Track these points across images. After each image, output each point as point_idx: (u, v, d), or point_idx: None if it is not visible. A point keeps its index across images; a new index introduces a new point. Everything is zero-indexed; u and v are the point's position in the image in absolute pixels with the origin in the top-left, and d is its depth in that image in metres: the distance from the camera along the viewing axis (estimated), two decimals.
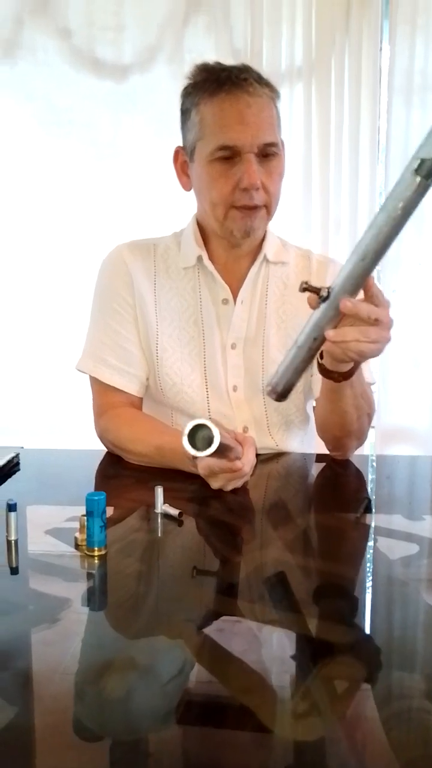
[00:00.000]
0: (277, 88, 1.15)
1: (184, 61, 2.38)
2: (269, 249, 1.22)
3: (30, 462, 1.16)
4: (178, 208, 2.47)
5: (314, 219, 2.34)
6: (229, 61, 2.35)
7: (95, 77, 2.41)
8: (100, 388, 1.24)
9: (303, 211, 2.34)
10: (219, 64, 1.14)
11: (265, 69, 2.29)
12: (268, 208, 1.14)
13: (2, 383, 2.53)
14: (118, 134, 2.43)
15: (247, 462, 0.94)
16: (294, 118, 2.32)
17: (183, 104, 1.17)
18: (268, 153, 1.10)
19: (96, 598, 0.70)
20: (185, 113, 1.16)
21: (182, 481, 1.02)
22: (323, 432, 1.19)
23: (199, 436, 0.70)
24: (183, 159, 1.20)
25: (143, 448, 1.12)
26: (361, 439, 1.16)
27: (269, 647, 0.61)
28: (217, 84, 1.09)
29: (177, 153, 1.21)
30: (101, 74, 2.41)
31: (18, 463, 1.15)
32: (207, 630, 0.62)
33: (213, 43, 2.36)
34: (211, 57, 2.33)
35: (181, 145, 1.20)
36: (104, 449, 1.22)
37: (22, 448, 1.24)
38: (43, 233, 2.46)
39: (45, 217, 2.44)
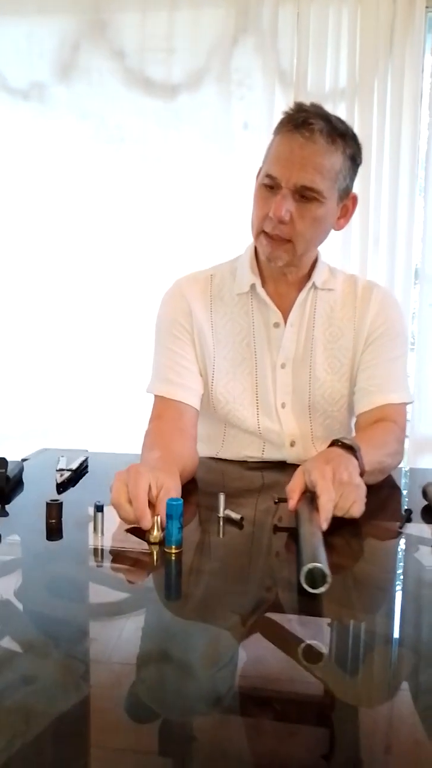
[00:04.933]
0: (354, 144, 1.21)
1: (231, 80, 2.49)
2: (318, 277, 1.31)
3: (95, 465, 1.27)
4: (222, 219, 2.59)
5: (353, 236, 2.42)
6: (274, 80, 2.46)
7: (146, 96, 2.53)
8: (160, 403, 1.31)
9: (342, 230, 2.41)
10: (313, 105, 1.21)
11: (309, 90, 2.40)
12: (294, 244, 1.20)
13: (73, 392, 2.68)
14: (167, 150, 2.55)
15: None
16: None
17: None
18: (307, 196, 1.17)
19: (172, 589, 0.81)
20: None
21: (245, 490, 1.12)
22: None
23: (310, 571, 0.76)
24: None
25: None
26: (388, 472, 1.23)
27: (326, 641, 0.71)
28: (288, 121, 1.18)
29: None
30: (152, 93, 2.53)
31: (87, 466, 1.26)
32: (261, 624, 0.72)
33: (260, 65, 2.46)
34: (257, 78, 2.47)
35: None
36: None
37: (87, 451, 1.36)
38: (99, 244, 2.59)
39: (100, 228, 2.58)
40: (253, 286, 1.31)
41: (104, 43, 2.49)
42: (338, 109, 2.42)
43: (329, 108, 2.37)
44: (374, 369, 1.30)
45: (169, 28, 2.47)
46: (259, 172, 1.26)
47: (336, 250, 2.40)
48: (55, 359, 2.68)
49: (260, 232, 1.22)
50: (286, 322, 1.30)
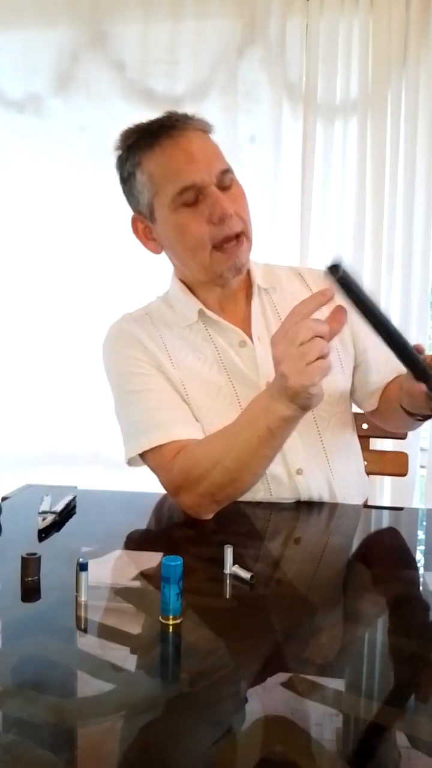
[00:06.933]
0: (208, 123, 1.15)
1: (237, 93, 2.39)
2: (258, 278, 1.20)
3: (84, 504, 1.12)
4: None
5: (366, 255, 2.30)
6: (282, 93, 2.35)
7: (147, 109, 2.42)
8: (154, 456, 1.11)
9: (354, 247, 2.30)
10: (143, 122, 1.14)
11: (319, 102, 2.29)
12: (247, 235, 1.11)
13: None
14: None
15: None
16: (348, 151, 2.30)
17: (122, 173, 1.15)
18: (226, 182, 1.09)
19: (169, 671, 0.66)
20: (128, 179, 1.14)
21: (253, 540, 0.98)
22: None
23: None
24: (144, 225, 1.16)
25: (231, 440, 1.01)
26: None
27: (339, 732, 0.56)
28: (152, 136, 1.08)
29: (135, 221, 1.18)
30: (154, 106, 2.42)
31: (74, 507, 1.12)
32: (276, 706, 0.57)
33: (267, 76, 2.35)
34: (264, 90, 2.36)
35: (134, 212, 1.17)
36: (159, 492, 1.17)
37: (76, 488, 1.21)
38: (99, 261, 2.47)
39: (100, 245, 2.45)
40: (201, 312, 1.17)
41: (104, 55, 2.40)
42: (350, 122, 2.31)
43: (340, 121, 2.30)
44: (372, 343, 1.19)
45: (172, 39, 2.38)
46: (151, 212, 1.12)
47: None
48: (50, 387, 2.54)
49: (211, 251, 1.09)
50: (251, 338, 1.16)
